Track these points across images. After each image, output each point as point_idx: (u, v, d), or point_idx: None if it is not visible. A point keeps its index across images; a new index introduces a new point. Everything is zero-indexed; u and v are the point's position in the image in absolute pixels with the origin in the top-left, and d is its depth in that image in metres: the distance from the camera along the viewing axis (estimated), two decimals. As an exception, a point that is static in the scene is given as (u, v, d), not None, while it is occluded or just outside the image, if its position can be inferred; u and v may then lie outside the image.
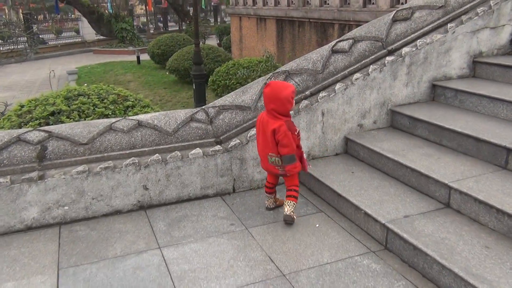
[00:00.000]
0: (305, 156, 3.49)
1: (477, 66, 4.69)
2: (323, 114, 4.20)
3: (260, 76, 9.88)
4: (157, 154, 3.74)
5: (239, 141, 3.95)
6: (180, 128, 3.94)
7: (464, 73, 4.73)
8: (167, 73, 15.33)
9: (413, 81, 4.50)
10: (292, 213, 3.39)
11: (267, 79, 4.31)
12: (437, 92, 4.56)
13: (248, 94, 4.19)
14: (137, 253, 3.12)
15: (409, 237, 2.87)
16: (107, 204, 3.64)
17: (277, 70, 4.37)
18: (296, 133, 3.31)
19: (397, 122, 4.41)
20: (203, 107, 4.19)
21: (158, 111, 5.83)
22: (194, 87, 10.77)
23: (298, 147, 3.39)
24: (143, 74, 17.07)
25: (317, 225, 3.41)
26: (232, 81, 10.34)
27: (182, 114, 4.04)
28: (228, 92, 10.19)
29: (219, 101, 4.21)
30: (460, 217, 3.07)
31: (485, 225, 2.95)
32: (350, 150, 4.30)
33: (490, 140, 3.43)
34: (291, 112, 3.52)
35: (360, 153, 4.15)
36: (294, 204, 3.40)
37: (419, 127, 4.13)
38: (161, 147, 3.82)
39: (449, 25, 4.50)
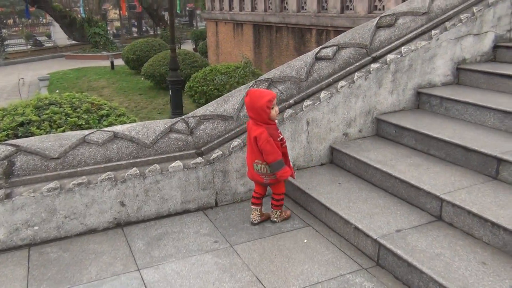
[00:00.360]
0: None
1: (461, 73, 4.65)
2: (308, 123, 4.06)
3: (238, 82, 9.74)
4: (134, 168, 3.52)
5: (221, 152, 3.77)
6: (159, 139, 3.74)
7: (448, 80, 4.68)
8: (142, 78, 15.03)
9: (398, 88, 4.41)
10: (278, 220, 3.53)
11: (249, 87, 4.15)
12: (422, 100, 4.49)
13: (230, 103, 4.02)
14: (114, 277, 2.89)
15: (403, 253, 2.74)
16: (81, 223, 3.40)
17: (260, 78, 4.22)
18: (278, 139, 3.25)
19: (382, 130, 4.31)
20: (183, 117, 4.00)
21: (135, 120, 5.61)
22: (170, 94, 10.55)
23: (285, 155, 3.31)
24: (117, 80, 16.70)
25: (305, 241, 3.25)
26: (210, 87, 10.16)
27: (161, 124, 3.84)
28: (206, 99, 10.02)
29: (200, 111, 4.03)
30: (453, 231, 2.97)
31: (479, 239, 2.86)
32: (336, 160, 4.18)
33: (480, 149, 3.35)
34: (277, 120, 3.38)
35: (346, 163, 4.02)
36: (279, 212, 3.51)
37: (406, 135, 4.04)
38: (139, 160, 3.61)
39: (433, 31, 4.44)
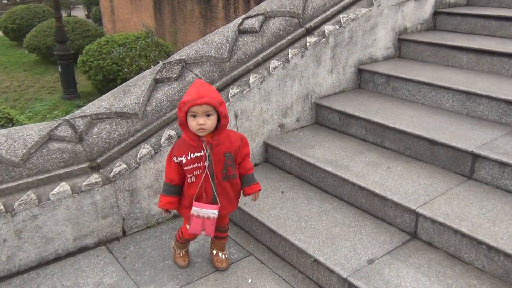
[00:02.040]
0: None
1: (403, 45, 4.05)
2: (236, 116, 3.20)
3: (140, 55, 8.49)
4: (-3, 202, 2.43)
5: (125, 165, 2.79)
6: (34, 153, 2.66)
7: (390, 53, 4.06)
8: (26, 52, 12.92)
9: (338, 66, 3.69)
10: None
11: (156, 72, 3.16)
12: (364, 78, 3.83)
13: (132, 94, 3.01)
14: None
15: (385, 298, 2.06)
16: None
17: (170, 60, 3.24)
18: (177, 159, 2.17)
19: (323, 118, 3.59)
20: (67, 117, 2.92)
21: (7, 114, 4.35)
22: (60, 70, 8.99)
23: (190, 186, 2.21)
24: (-5, 54, 14.30)
25: (250, 281, 2.46)
26: (107, 61, 8.74)
27: (34, 131, 2.74)
28: (104, 74, 8.63)
29: (91, 107, 2.97)
30: (436, 254, 2.36)
31: (470, 264, 2.27)
32: (272, 159, 3.39)
33: (450, 143, 2.76)
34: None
35: (286, 163, 3.26)
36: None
37: (353, 124, 3.36)
38: (4, 186, 2.52)
39: (374, -4, 3.74)
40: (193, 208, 2.20)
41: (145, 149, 2.85)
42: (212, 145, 2.13)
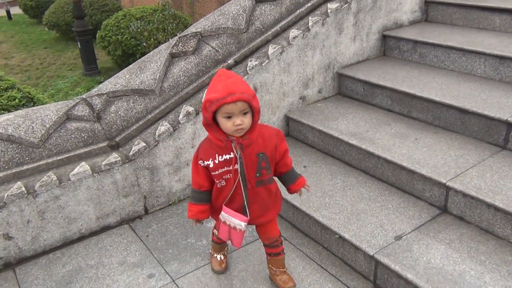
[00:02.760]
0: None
1: (430, 8, 3.83)
2: (255, 89, 3.10)
3: (158, 29, 8.38)
4: (18, 183, 2.43)
5: (144, 143, 2.74)
6: (53, 133, 2.63)
7: (416, 17, 3.85)
8: (46, 29, 12.95)
9: (362, 33, 3.52)
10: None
11: (172, 46, 3.07)
12: (389, 45, 3.65)
13: (148, 70, 2.93)
14: None
15: (414, 277, 1.98)
16: None
17: (185, 33, 3.14)
18: (203, 163, 1.87)
19: (346, 88, 3.45)
20: (84, 96, 2.87)
21: (29, 93, 4.34)
22: (79, 47, 8.98)
23: (221, 191, 1.92)
24: (16, 32, 14.36)
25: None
26: (126, 36, 8.67)
27: (51, 112, 2.70)
28: (123, 49, 8.57)
29: (107, 85, 2.92)
30: (468, 229, 2.25)
31: (505, 239, 2.16)
32: (294, 133, 3.30)
33: (483, 112, 2.60)
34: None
35: (308, 137, 3.16)
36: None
37: (378, 94, 3.21)
38: (25, 168, 2.50)
39: (400, -44, 3.52)
40: (221, 212, 1.93)
41: (163, 127, 2.80)
42: (243, 145, 1.80)
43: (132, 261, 2.47)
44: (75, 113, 2.73)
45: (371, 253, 2.14)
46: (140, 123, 2.82)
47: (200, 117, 2.90)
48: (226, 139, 1.78)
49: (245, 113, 1.71)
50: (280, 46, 3.13)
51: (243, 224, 1.90)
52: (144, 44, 8.10)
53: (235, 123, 1.70)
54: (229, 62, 3.06)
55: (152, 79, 2.88)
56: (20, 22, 15.80)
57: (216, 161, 1.83)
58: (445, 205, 2.38)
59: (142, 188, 2.80)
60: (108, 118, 2.78)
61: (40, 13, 14.33)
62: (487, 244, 2.14)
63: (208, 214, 2.01)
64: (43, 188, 2.46)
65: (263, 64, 3.07)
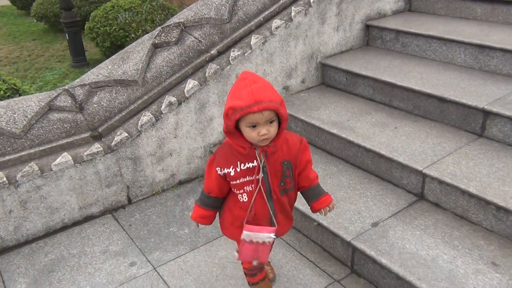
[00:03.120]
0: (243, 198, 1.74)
1: (414, -3, 3.85)
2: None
3: (146, 20, 8.34)
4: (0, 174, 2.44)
5: (126, 134, 2.76)
6: (35, 124, 2.64)
7: (400, 7, 3.87)
8: (34, 20, 12.82)
9: (345, 23, 3.54)
10: None
11: (154, 37, 3.07)
12: (372, 35, 3.67)
13: (130, 61, 2.94)
14: None
15: (388, 261, 2.03)
16: None
17: (168, 23, 3.15)
18: (221, 171, 1.70)
19: (330, 78, 3.48)
20: (67, 87, 2.88)
21: (14, 84, 4.32)
22: (67, 38, 8.91)
23: (241, 206, 1.74)
24: (4, 23, 14.20)
25: (254, 246, 2.44)
26: (114, 27, 8.61)
27: (33, 102, 2.71)
28: (111, 41, 8.52)
29: (89, 76, 2.93)
30: (443, 214, 2.30)
31: (478, 225, 2.21)
32: (278, 122, 3.32)
33: (461, 100, 2.64)
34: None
35: (291, 126, 3.18)
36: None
37: (360, 84, 3.24)
38: (6, 158, 2.51)
39: None
40: (244, 232, 1.73)
41: (146, 117, 2.81)
42: (268, 152, 1.65)
43: (114, 250, 2.49)
44: (57, 104, 2.74)
45: (348, 239, 2.18)
46: (123, 113, 2.84)
47: (183, 107, 2.92)
48: (250, 145, 1.62)
49: (271, 122, 1.55)
50: (262, 36, 3.14)
51: (272, 235, 1.73)
52: (132, 35, 8.06)
53: (260, 133, 1.54)
54: (212, 52, 3.07)
55: (134, 70, 2.89)
56: (8, 14, 15.62)
57: (238, 169, 1.67)
58: (422, 192, 2.42)
59: (125, 178, 2.82)
60: (91, 108, 2.79)
61: (28, 5, 14.17)
62: (461, 230, 2.19)
63: (211, 221, 1.87)
64: (25, 179, 2.47)
65: (245, 54, 3.09)
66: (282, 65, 3.29)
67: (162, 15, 8.25)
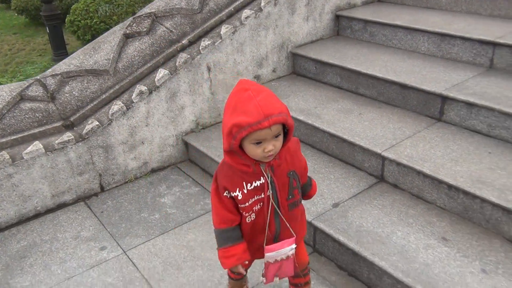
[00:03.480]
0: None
1: (383, -12, 3.95)
2: (209, 69, 3.19)
3: (127, 12, 8.33)
4: (-29, 162, 2.49)
5: (97, 122, 2.81)
6: (6, 114, 2.68)
7: (369, -3, 3.97)
8: (15, 14, 12.69)
9: (315, 13, 3.62)
10: None
11: (126, 27, 3.12)
12: (342, 25, 3.76)
13: (102, 51, 2.99)
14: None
15: (346, 240, 2.13)
16: None
17: (139, 14, 3.20)
18: (229, 194, 1.54)
19: (300, 67, 3.56)
20: (38, 77, 2.92)
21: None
22: (48, 31, 8.87)
23: (250, 227, 1.59)
24: (-16, 18, 14.06)
25: (221, 229, 2.53)
26: (95, 20, 8.60)
27: (5, 92, 2.75)
28: (92, 34, 8.51)
29: (61, 66, 2.97)
30: (401, 195, 2.41)
31: (433, 203, 2.32)
32: (249, 110, 3.40)
33: (421, 87, 2.75)
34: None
35: (261, 114, 3.27)
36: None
37: (329, 72, 3.33)
38: (-22, 148, 2.56)
39: None
40: (266, 255, 1.59)
41: (116, 105, 2.87)
42: (274, 166, 1.50)
43: (86, 235, 2.56)
44: (29, 93, 2.78)
45: (309, 220, 2.27)
46: (95, 102, 2.89)
47: (154, 96, 2.98)
48: (254, 162, 1.45)
49: (277, 136, 1.39)
50: (232, 26, 3.21)
51: (294, 245, 1.61)
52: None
53: (266, 149, 1.38)
54: (183, 42, 3.14)
55: (106, 60, 2.94)
56: (-11, 8, 15.42)
57: (245, 191, 1.50)
58: (382, 174, 2.53)
59: (97, 166, 2.88)
60: (63, 98, 2.84)
61: (8, -2, 14.02)
62: (416, 208, 2.30)
63: (249, 253, 1.62)
64: (-4, 167, 2.52)
65: (215, 44, 3.15)
66: (253, 55, 3.37)
67: (143, 8, 8.25)
